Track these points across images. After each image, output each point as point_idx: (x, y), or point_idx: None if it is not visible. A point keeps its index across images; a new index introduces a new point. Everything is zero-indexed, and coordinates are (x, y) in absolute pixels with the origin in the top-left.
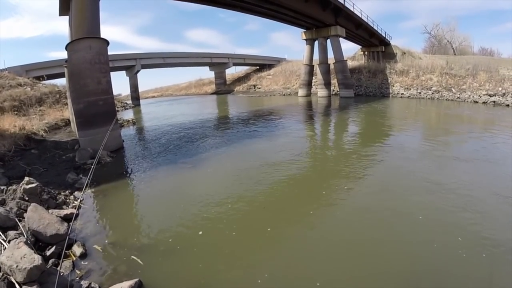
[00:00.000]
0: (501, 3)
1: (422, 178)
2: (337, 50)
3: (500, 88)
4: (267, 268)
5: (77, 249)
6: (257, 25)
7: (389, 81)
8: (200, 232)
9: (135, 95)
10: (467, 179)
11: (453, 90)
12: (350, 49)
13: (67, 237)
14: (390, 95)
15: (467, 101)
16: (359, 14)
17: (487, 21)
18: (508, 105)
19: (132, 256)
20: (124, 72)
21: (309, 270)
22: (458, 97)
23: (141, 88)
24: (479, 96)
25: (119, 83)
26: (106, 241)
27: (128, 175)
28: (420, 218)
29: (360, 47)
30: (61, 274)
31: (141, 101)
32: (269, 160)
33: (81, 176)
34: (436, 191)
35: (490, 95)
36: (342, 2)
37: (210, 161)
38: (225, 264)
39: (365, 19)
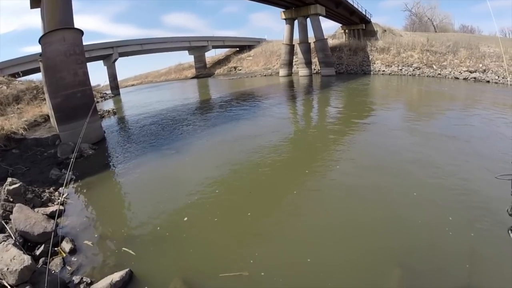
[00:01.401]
0: None
1: (406, 155)
2: (317, 28)
3: (480, 65)
4: (257, 249)
5: (66, 246)
6: (236, 7)
7: (370, 59)
8: (185, 219)
9: (114, 85)
10: (455, 157)
11: (434, 66)
12: (330, 27)
13: (55, 234)
14: (372, 73)
15: (448, 78)
16: None
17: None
18: (488, 81)
19: (123, 248)
20: (101, 62)
21: (299, 247)
22: (439, 74)
23: (120, 77)
24: (459, 72)
25: (97, 74)
26: (94, 234)
27: (111, 166)
28: (414, 194)
29: (341, 25)
30: (52, 271)
31: (121, 90)
32: (252, 142)
33: (64, 171)
34: (422, 167)
35: (470, 72)
36: None
37: (193, 146)
38: (215, 248)
39: None
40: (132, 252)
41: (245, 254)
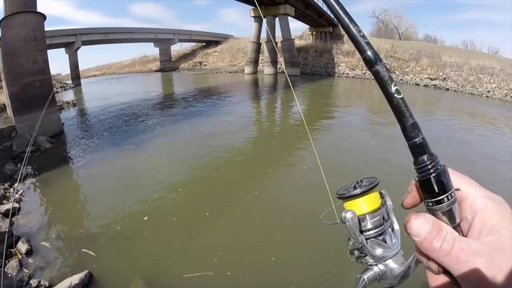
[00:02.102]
0: None
1: (365, 156)
2: (285, 28)
3: (441, 73)
4: (220, 248)
5: (22, 246)
6: (206, 1)
7: (335, 61)
8: (146, 218)
9: (76, 74)
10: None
11: (397, 72)
12: (298, 28)
13: (10, 234)
14: (336, 75)
15: (409, 83)
16: None
17: (434, 11)
18: (448, 89)
19: (83, 249)
20: (63, 49)
21: (262, 246)
22: (401, 79)
23: (82, 67)
24: (421, 79)
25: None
26: (52, 234)
27: (69, 161)
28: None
29: (308, 27)
30: (8, 275)
31: (82, 81)
32: (214, 141)
33: (20, 166)
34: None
35: (431, 79)
36: None
37: (155, 142)
38: (177, 248)
39: (315, 0)
40: (93, 253)
41: (208, 253)
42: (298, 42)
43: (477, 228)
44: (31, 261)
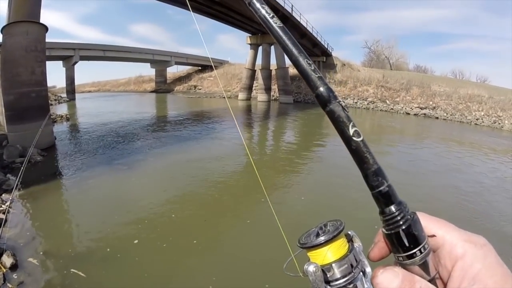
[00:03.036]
0: (440, 27)
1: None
2: (280, 56)
3: (431, 102)
4: (214, 273)
5: (7, 260)
6: (205, 25)
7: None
8: (136, 241)
9: (71, 89)
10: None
11: (388, 101)
12: None
13: None
14: None
15: (400, 113)
16: (304, 25)
17: (425, 41)
18: (437, 118)
19: (72, 269)
20: (60, 62)
21: (256, 275)
22: (392, 109)
23: (77, 81)
24: (411, 108)
25: (54, 74)
26: (39, 250)
27: (60, 176)
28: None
29: None
30: None
31: (77, 95)
32: (206, 166)
33: (9, 176)
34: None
35: (421, 108)
36: (290, 11)
37: (147, 164)
38: (170, 273)
39: (310, 30)
40: (82, 274)
41: (203, 279)
42: (292, 71)
43: (457, 277)
44: (15, 277)
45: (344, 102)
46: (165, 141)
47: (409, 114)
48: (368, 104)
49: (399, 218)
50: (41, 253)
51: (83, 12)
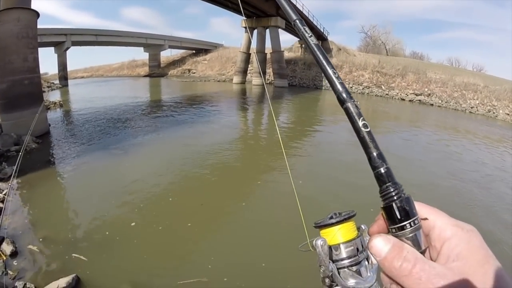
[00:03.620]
0: (437, 14)
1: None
2: (275, 40)
3: (426, 89)
4: (213, 255)
5: (7, 247)
6: (198, 9)
7: (323, 75)
8: (133, 224)
9: (63, 75)
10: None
11: (383, 87)
12: (288, 40)
13: None
14: (323, 88)
15: (395, 98)
16: (300, 8)
17: (422, 29)
18: (432, 104)
19: (73, 254)
20: (52, 48)
21: (253, 253)
22: (387, 94)
23: (70, 67)
24: (406, 94)
25: (46, 61)
26: (38, 237)
27: (56, 163)
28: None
29: (298, 39)
30: None
31: (70, 81)
32: (201, 148)
33: (4, 164)
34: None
35: (416, 94)
36: None
37: (142, 148)
38: (169, 255)
39: (306, 14)
40: (84, 258)
41: (201, 260)
42: (287, 54)
43: (444, 255)
44: (16, 263)
45: (357, 101)
46: (159, 125)
47: (404, 100)
48: (363, 89)
49: (393, 194)
50: (41, 239)
51: None
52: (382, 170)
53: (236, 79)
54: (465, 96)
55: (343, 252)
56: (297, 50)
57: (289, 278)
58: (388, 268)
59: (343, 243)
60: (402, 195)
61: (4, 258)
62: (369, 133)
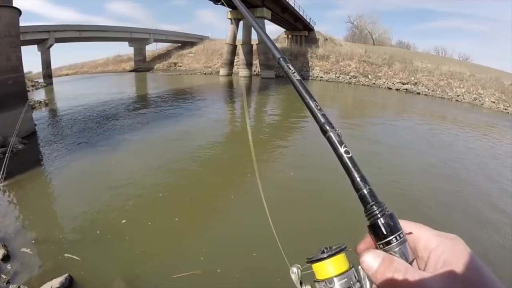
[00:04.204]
0: (428, 3)
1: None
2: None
3: (412, 78)
4: (205, 248)
5: None
6: (183, 0)
7: (309, 65)
8: (124, 221)
9: (48, 73)
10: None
11: (369, 76)
12: (274, 31)
13: None
14: (310, 78)
15: (382, 87)
16: None
17: (410, 18)
18: (419, 93)
19: (66, 254)
20: (35, 46)
21: (244, 245)
22: (374, 83)
23: (54, 65)
24: (393, 83)
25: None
26: (29, 239)
27: (44, 163)
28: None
29: (284, 30)
30: None
31: (54, 80)
32: (190, 143)
33: None
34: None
35: (403, 83)
36: None
37: (130, 144)
38: (161, 250)
39: (292, 4)
40: (77, 258)
41: (193, 253)
42: None
43: (432, 263)
44: (9, 267)
45: (338, 130)
46: (146, 121)
47: (390, 89)
48: (350, 78)
49: (377, 212)
50: (33, 241)
51: None
52: (365, 191)
53: (223, 71)
54: (451, 84)
55: (337, 285)
56: (283, 41)
57: (280, 265)
58: (381, 281)
59: (335, 276)
60: (386, 212)
61: None
62: (350, 158)
